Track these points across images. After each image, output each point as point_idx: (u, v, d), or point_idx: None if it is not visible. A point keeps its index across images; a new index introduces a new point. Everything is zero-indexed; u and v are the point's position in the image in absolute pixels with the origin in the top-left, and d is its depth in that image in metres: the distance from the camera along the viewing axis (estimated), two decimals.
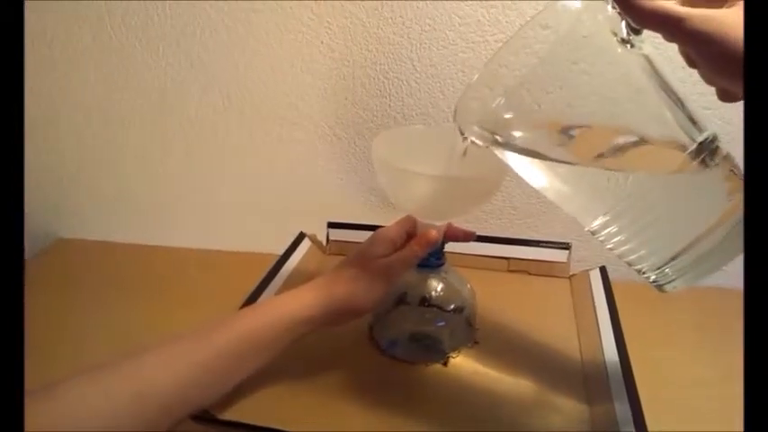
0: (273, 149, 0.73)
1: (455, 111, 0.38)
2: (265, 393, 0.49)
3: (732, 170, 0.33)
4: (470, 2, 0.60)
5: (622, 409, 0.43)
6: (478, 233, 0.55)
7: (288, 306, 0.47)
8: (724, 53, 0.27)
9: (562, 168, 0.36)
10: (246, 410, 0.47)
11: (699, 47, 0.28)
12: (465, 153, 0.42)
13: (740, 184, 0.32)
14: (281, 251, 0.66)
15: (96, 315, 0.64)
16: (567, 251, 0.66)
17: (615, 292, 0.58)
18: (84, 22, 0.68)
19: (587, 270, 0.64)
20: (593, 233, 0.37)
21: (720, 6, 0.28)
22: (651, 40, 0.32)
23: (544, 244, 0.67)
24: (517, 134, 0.36)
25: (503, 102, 0.35)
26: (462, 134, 0.40)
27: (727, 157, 0.33)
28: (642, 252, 0.35)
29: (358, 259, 0.49)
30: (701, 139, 0.32)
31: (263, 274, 0.61)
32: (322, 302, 0.47)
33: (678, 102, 0.33)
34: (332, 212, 0.72)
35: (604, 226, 0.36)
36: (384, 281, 0.48)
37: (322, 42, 0.65)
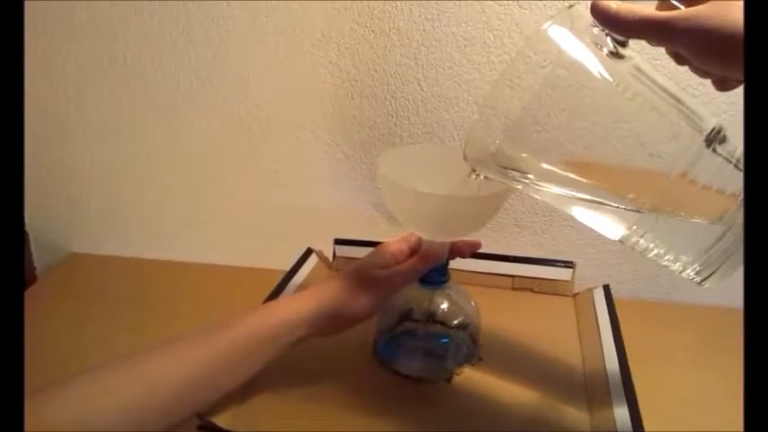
0: (281, 166, 0.74)
1: (464, 150, 0.39)
2: (268, 404, 0.50)
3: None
4: (476, 25, 0.61)
5: (625, 426, 0.43)
6: (482, 251, 0.56)
7: (279, 310, 0.48)
8: (711, 44, 0.29)
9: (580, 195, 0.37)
10: (250, 420, 0.48)
11: (687, 44, 0.30)
12: (479, 187, 0.43)
13: None
14: (289, 267, 0.67)
15: (108, 329, 0.64)
16: (571, 270, 0.66)
17: (618, 310, 0.59)
18: (99, 41, 0.69)
19: (591, 288, 0.64)
20: (620, 242, 0.37)
21: (697, 4, 0.30)
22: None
23: (548, 262, 0.67)
24: (530, 168, 0.37)
25: (508, 138, 0.36)
26: (474, 171, 0.41)
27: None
28: (672, 254, 0.36)
29: (355, 270, 0.50)
30: (708, 130, 0.33)
31: (270, 290, 0.62)
32: (312, 307, 0.47)
33: (677, 100, 0.34)
34: (339, 229, 0.73)
35: (629, 237, 0.36)
36: (380, 292, 0.49)
37: (330, 62, 0.66)
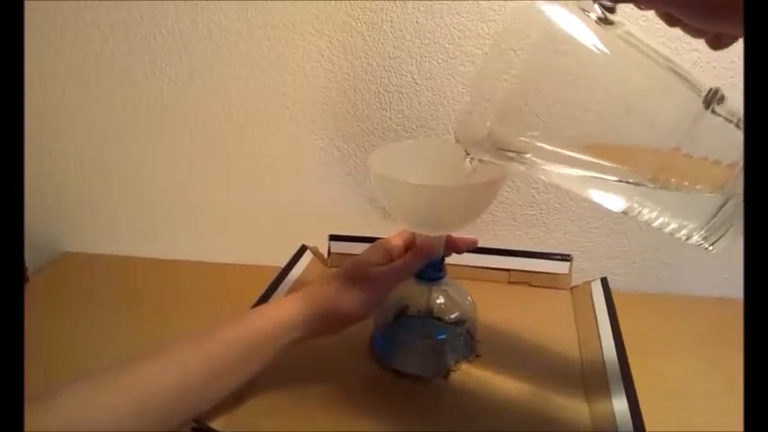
0: (274, 162, 0.73)
1: (456, 132, 0.39)
2: (264, 405, 0.49)
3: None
4: (470, 17, 0.61)
5: (624, 419, 0.43)
6: (479, 245, 0.55)
7: (273, 312, 0.47)
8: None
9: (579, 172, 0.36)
10: (245, 422, 0.47)
11: (681, 2, 0.29)
12: (473, 172, 0.42)
13: None
14: (283, 264, 0.66)
15: (100, 328, 0.64)
16: (568, 263, 0.66)
17: (616, 303, 0.58)
18: (88, 39, 0.68)
19: (589, 281, 0.64)
20: (624, 213, 0.37)
21: None
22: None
23: (545, 255, 0.67)
24: (525, 147, 0.36)
25: (500, 116, 0.35)
26: (468, 154, 0.40)
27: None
28: (676, 223, 0.35)
29: (351, 268, 0.50)
30: (705, 91, 0.32)
31: (265, 287, 0.61)
32: (306, 308, 0.47)
33: (672, 63, 0.33)
34: (333, 225, 0.73)
35: (632, 209, 0.36)
36: (376, 289, 0.48)
37: (323, 56, 0.65)
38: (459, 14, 0.61)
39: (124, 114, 0.73)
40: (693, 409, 0.50)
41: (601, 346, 0.53)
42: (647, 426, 0.42)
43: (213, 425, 0.45)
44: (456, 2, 0.60)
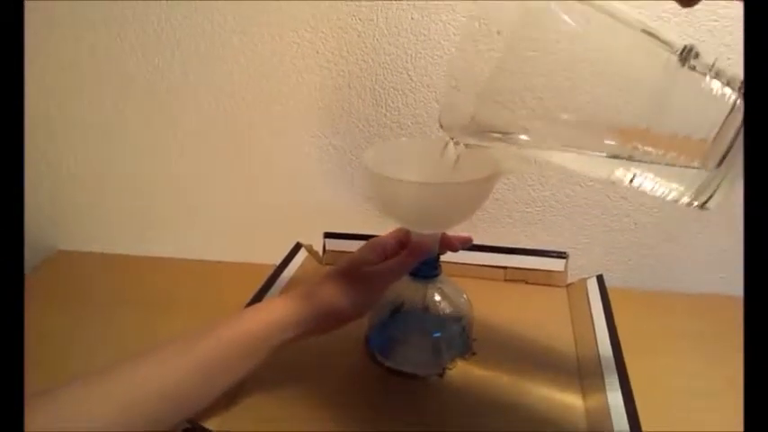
0: (269, 159, 0.73)
1: (440, 117, 0.38)
2: (258, 404, 0.49)
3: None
4: (465, 14, 0.60)
5: (619, 416, 0.43)
6: (475, 242, 0.55)
7: (266, 312, 0.47)
8: None
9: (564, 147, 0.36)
10: (239, 421, 0.47)
11: None
12: (458, 159, 0.42)
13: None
14: (278, 261, 0.66)
15: (95, 326, 0.64)
16: (564, 260, 0.66)
17: (612, 300, 0.58)
18: (81, 37, 0.68)
19: (584, 279, 0.64)
20: (612, 182, 0.37)
21: None
22: None
23: (541, 253, 0.67)
24: (509, 126, 0.36)
25: (482, 98, 0.35)
26: (452, 139, 0.40)
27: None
28: (664, 188, 0.35)
29: (345, 266, 0.49)
30: (679, 50, 0.32)
31: (259, 285, 0.61)
32: (301, 308, 0.47)
33: (643, 25, 0.33)
34: (328, 222, 0.72)
35: (619, 178, 0.36)
36: (371, 288, 0.48)
37: (318, 53, 0.65)
38: (454, 11, 0.61)
39: (117, 112, 0.72)
40: (690, 406, 0.50)
41: (596, 343, 0.53)
42: (644, 423, 0.42)
43: (206, 424, 0.45)
44: None
